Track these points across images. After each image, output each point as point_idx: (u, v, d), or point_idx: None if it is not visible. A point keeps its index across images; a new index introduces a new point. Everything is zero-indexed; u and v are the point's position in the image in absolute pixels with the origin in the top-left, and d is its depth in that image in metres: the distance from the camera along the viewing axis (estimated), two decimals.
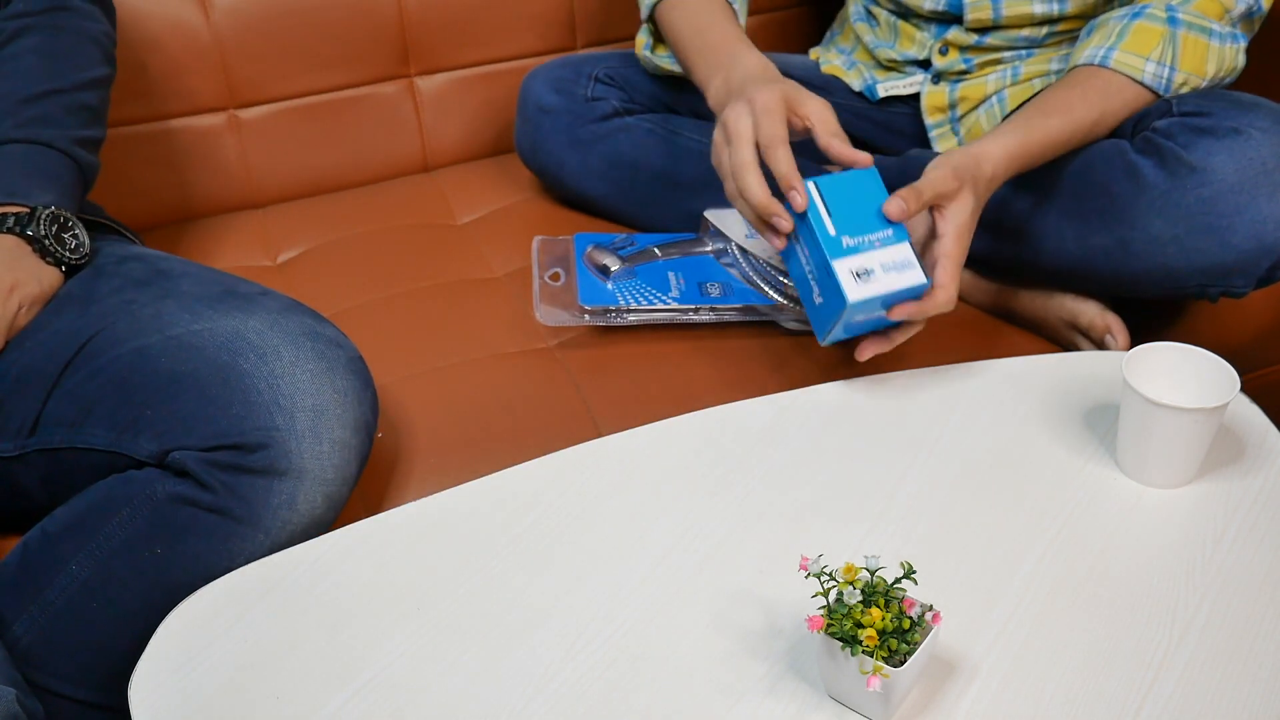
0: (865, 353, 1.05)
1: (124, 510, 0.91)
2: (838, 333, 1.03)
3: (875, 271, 0.99)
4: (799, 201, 0.99)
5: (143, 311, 0.99)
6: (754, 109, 1.04)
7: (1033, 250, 1.19)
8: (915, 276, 1.01)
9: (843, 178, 1.02)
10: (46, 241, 1.02)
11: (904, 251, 1.01)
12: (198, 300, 1.00)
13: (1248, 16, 1.17)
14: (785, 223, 1.01)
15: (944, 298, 1.02)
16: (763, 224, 1.04)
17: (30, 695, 0.89)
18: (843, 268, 0.98)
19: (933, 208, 1.03)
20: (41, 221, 1.02)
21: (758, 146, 1.03)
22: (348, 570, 0.88)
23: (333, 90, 1.48)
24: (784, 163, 1.01)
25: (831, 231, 0.99)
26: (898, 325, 1.05)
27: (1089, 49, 1.17)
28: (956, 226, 1.03)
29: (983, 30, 1.30)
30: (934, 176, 1.03)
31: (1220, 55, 1.15)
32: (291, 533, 0.92)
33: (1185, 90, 1.16)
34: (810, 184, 1.00)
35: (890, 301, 1.01)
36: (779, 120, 1.03)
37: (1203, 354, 0.94)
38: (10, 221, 1.01)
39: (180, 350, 0.94)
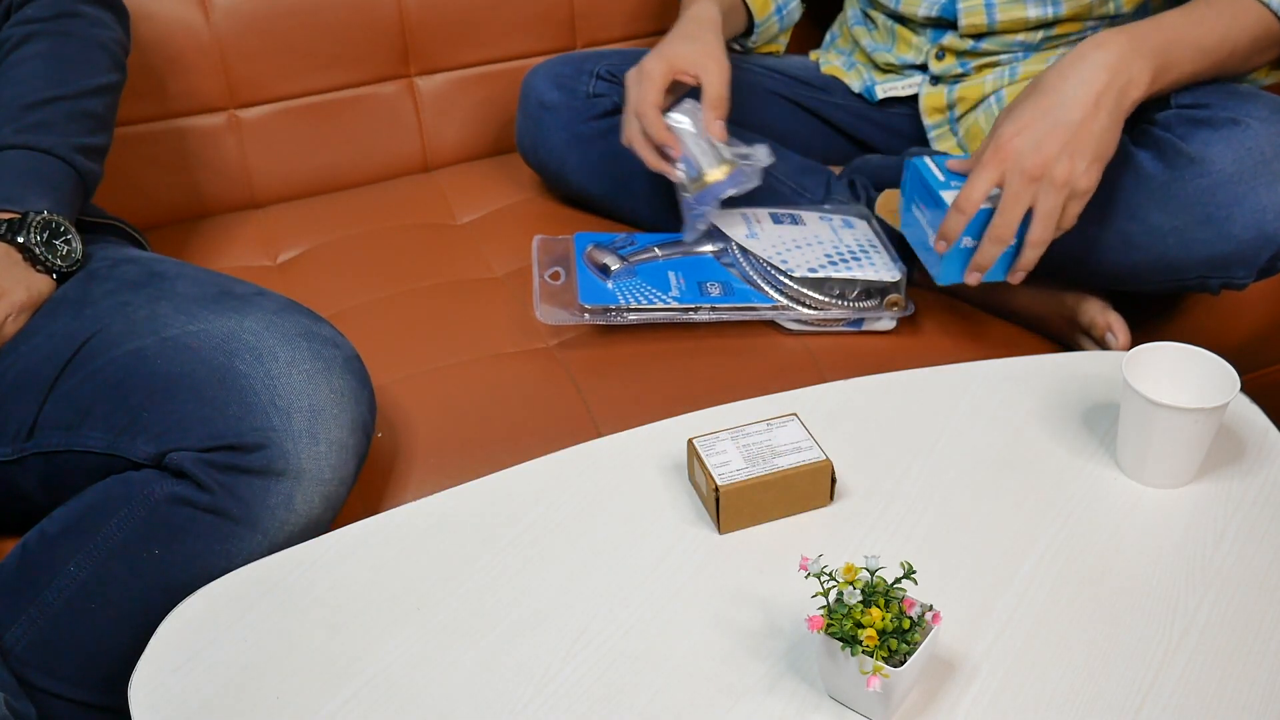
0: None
1: (122, 511, 0.91)
2: (951, 268, 1.14)
3: None
4: (674, 153, 1.18)
5: (138, 313, 0.99)
6: (641, 73, 1.20)
7: None
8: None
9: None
10: (37, 250, 1.01)
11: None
12: (193, 301, 0.99)
13: None
14: (675, 150, 1.17)
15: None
16: (659, 155, 1.20)
17: (22, 698, 0.89)
18: (947, 195, 1.13)
19: None
20: (33, 228, 1.01)
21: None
22: (347, 570, 0.88)
23: (333, 90, 1.48)
24: (654, 126, 1.18)
25: (940, 178, 1.16)
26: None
27: None
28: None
29: (978, 36, 1.30)
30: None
31: None
32: (289, 533, 0.92)
33: None
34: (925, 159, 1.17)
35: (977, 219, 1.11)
36: (654, 89, 1.18)
37: (1203, 354, 0.94)
38: (2, 229, 1.01)
39: (176, 352, 0.94)
